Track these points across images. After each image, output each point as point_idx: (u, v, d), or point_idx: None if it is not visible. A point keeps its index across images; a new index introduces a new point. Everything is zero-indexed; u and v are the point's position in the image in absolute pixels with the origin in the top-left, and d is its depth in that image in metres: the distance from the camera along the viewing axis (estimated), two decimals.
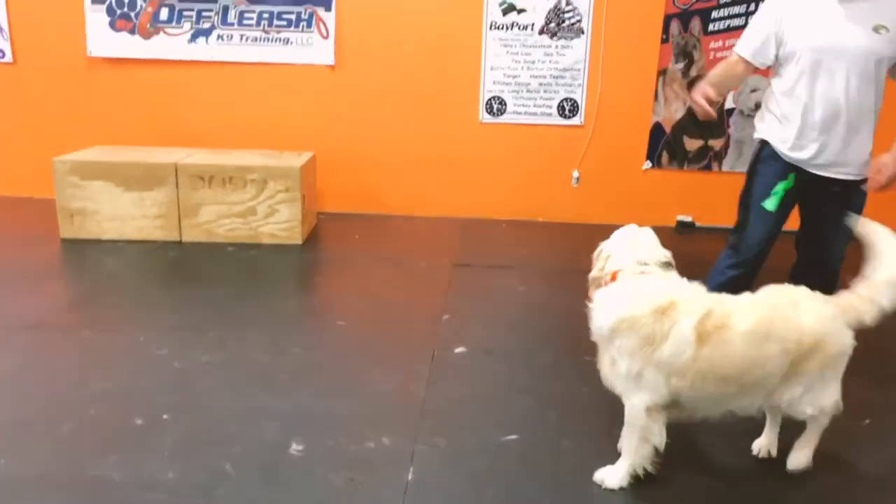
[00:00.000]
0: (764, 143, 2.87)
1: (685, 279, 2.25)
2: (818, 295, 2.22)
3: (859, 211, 2.73)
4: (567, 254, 4.71)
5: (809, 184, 2.80)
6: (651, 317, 2.07)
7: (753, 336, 2.06)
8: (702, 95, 2.81)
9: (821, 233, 2.88)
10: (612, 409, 2.72)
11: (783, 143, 2.79)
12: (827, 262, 2.87)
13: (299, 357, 3.08)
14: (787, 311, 2.13)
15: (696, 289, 2.21)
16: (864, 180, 2.75)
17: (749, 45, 2.80)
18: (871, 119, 2.74)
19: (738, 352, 2.06)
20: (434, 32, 5.10)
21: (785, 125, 2.78)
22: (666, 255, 2.30)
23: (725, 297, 2.22)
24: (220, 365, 2.98)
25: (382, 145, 5.34)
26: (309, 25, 5.14)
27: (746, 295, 2.25)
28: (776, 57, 2.77)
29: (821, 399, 2.19)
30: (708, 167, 5.24)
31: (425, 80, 5.19)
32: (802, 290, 2.22)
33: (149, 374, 2.89)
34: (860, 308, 2.16)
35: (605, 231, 5.53)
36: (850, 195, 2.78)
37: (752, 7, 4.85)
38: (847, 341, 2.15)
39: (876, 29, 2.62)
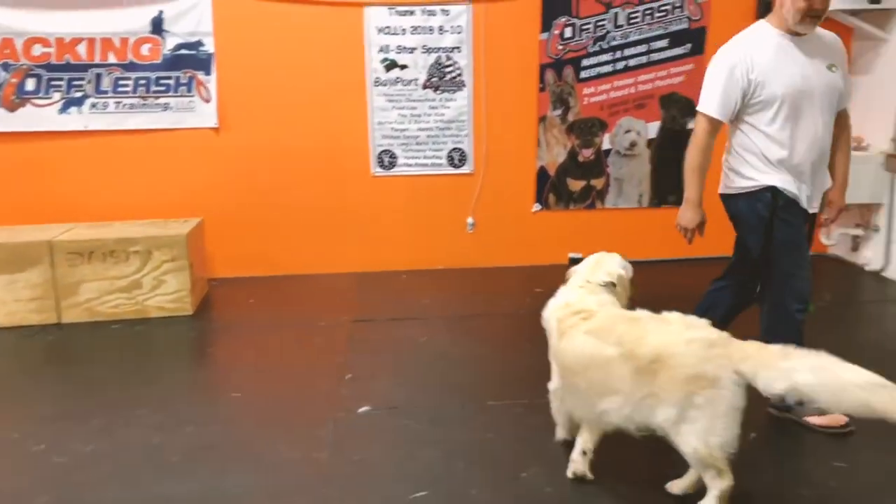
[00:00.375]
0: (775, 190, 2.80)
1: (608, 296, 2.55)
2: (704, 327, 2.24)
3: (811, 238, 3.03)
4: (467, 299, 4.76)
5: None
6: (551, 314, 2.57)
7: (592, 335, 2.34)
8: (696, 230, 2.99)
9: None
10: (518, 453, 2.74)
11: (790, 185, 2.80)
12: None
13: (193, 435, 2.92)
14: (641, 323, 2.31)
15: (602, 301, 2.50)
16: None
17: (724, 106, 2.79)
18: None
19: (578, 348, 2.37)
20: (319, 90, 5.12)
21: (781, 169, 2.80)
22: (611, 275, 2.63)
23: (609, 308, 2.48)
24: (106, 454, 2.77)
25: (274, 205, 5.25)
26: (189, 90, 5.04)
27: (640, 313, 2.42)
28: (743, 106, 2.80)
29: (705, 435, 2.13)
30: (592, 205, 5.48)
31: (313, 137, 5.19)
32: (690, 318, 2.29)
33: (25, 474, 2.65)
34: (754, 360, 2.09)
35: (503, 273, 5.65)
36: (812, 225, 2.99)
37: (618, 55, 5.18)
38: (704, 368, 2.10)
39: (829, 67, 2.82)
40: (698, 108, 2.89)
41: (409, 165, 5.32)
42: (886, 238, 4.98)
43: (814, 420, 2.85)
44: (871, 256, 5.12)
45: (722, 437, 2.14)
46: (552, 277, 5.13)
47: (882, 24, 4.93)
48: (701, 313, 2.42)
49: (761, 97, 2.76)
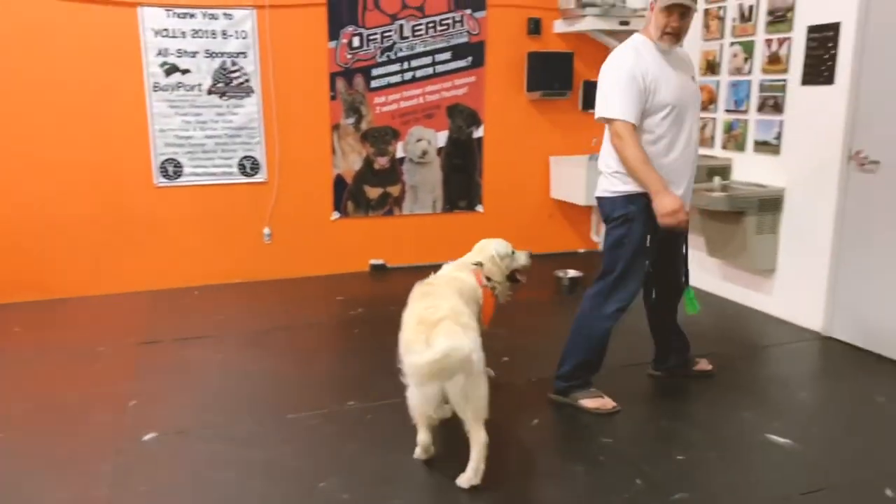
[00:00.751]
0: (636, 197, 2.95)
1: (466, 274, 3.07)
2: (436, 306, 2.60)
3: (687, 234, 3.19)
4: (266, 312, 4.63)
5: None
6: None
7: (411, 300, 2.75)
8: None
9: (674, 256, 3.20)
10: (315, 464, 2.73)
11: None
12: (679, 275, 3.25)
13: None
14: (426, 297, 2.71)
15: (455, 277, 3.00)
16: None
17: (636, 108, 2.86)
18: None
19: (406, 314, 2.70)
20: (89, 95, 4.70)
21: (660, 174, 2.90)
22: (484, 258, 3.17)
23: (443, 284, 2.91)
24: None
25: (39, 221, 4.73)
26: None
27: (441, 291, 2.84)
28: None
29: (410, 393, 2.53)
30: (390, 212, 5.60)
31: (84, 145, 4.75)
32: (441, 302, 2.65)
33: None
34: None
35: (304, 283, 5.59)
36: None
37: (406, 65, 5.35)
38: (406, 336, 2.55)
39: (692, 78, 3.08)
40: (610, 116, 2.90)
41: (197, 175, 5.08)
42: None
43: (586, 403, 3.16)
44: None
45: (417, 398, 2.46)
46: (354, 285, 5.24)
47: None
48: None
49: (654, 103, 2.90)
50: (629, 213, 2.99)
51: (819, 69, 3.95)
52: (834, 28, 3.84)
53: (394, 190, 5.57)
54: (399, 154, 5.51)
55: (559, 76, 5.61)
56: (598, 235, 6.06)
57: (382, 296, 4.97)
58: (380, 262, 5.63)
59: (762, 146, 4.41)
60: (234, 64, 4.99)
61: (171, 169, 5.00)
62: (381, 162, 5.49)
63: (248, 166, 5.19)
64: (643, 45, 2.97)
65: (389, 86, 5.36)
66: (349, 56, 5.23)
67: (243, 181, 5.20)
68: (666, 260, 3.17)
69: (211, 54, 4.92)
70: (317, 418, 3.11)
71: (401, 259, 5.66)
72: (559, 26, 5.61)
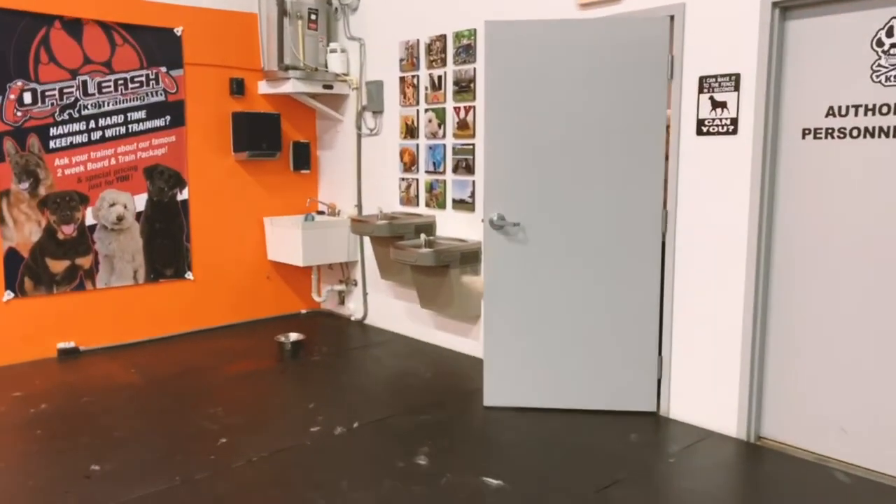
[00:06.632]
0: None
1: None
2: None
3: None
4: None
5: None
6: None
7: None
8: None
9: None
10: None
11: None
12: None
13: None
14: None
15: None
16: None
17: None
18: None
19: None
20: None
21: None
22: None
23: None
24: None
25: None
26: None
27: None
28: None
29: None
30: (81, 287, 4.94)
31: None
32: None
33: None
34: None
35: None
36: None
37: (93, 124, 4.83)
38: None
39: None
40: None
41: None
42: (363, 290, 5.75)
43: None
44: (354, 308, 5.85)
45: None
46: (36, 376, 4.48)
47: (336, 106, 5.75)
48: None
49: None
50: None
51: None
52: None
53: (84, 261, 4.94)
54: (89, 221, 4.92)
55: (266, 137, 5.54)
56: (319, 295, 6.03)
57: (73, 385, 4.32)
58: (70, 345, 4.92)
59: (459, 204, 4.79)
60: None
61: None
62: (67, 231, 4.84)
63: None
64: None
65: (73, 146, 4.78)
66: (19, 114, 4.56)
67: None
68: None
69: None
70: None
71: (97, 340, 5.01)
72: (264, 87, 5.55)
